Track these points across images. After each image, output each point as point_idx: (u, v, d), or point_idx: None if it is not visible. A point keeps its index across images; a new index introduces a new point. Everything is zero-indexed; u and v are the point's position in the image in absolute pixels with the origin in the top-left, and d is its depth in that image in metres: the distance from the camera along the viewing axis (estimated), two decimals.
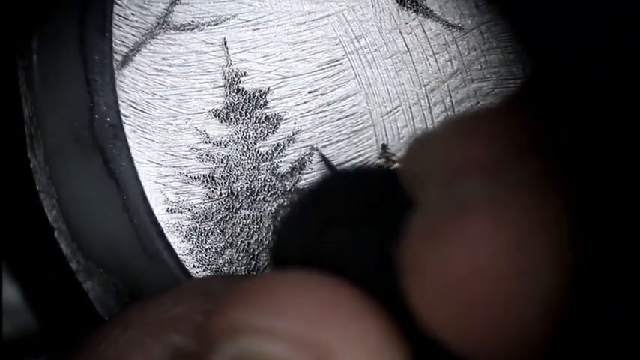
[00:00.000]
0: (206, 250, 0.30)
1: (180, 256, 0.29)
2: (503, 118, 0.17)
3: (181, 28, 0.30)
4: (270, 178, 0.30)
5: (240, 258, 0.30)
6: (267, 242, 0.29)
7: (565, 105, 0.17)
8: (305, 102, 0.30)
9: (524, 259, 0.16)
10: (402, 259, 0.17)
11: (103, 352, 0.22)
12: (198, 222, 0.30)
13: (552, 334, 0.16)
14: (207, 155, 0.30)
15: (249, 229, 0.30)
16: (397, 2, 0.31)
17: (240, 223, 0.30)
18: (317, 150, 0.30)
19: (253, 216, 0.30)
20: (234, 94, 0.30)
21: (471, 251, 0.16)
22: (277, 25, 0.30)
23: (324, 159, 0.27)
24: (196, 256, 0.30)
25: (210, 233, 0.30)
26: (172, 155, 0.30)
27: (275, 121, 0.30)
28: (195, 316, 0.22)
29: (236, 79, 0.30)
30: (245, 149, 0.30)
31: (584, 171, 0.16)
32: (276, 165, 0.30)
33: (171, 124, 0.30)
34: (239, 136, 0.30)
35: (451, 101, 0.31)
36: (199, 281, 0.24)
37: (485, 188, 0.16)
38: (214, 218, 0.30)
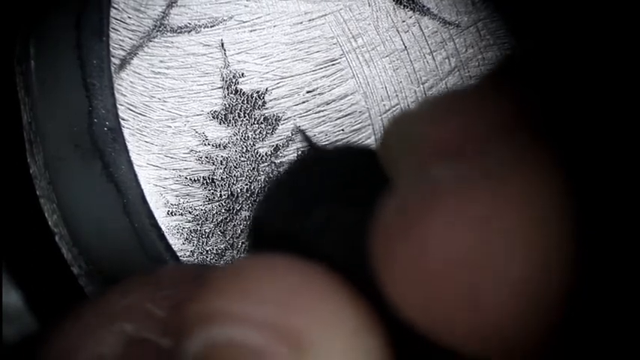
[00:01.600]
0: (207, 251, 0.30)
1: (182, 259, 0.29)
2: (484, 96, 0.17)
3: (178, 31, 0.30)
4: (270, 179, 0.30)
5: (241, 259, 0.30)
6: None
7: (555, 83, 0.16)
8: (303, 102, 0.30)
9: (496, 246, 0.15)
10: (374, 243, 0.16)
11: (54, 345, 0.21)
12: (198, 224, 0.30)
13: (535, 324, 0.15)
14: (207, 157, 0.30)
15: None
16: (394, 0, 0.31)
17: (240, 224, 0.30)
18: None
19: None
20: (232, 95, 0.30)
21: (439, 236, 0.15)
22: (274, 26, 0.30)
23: (304, 136, 0.26)
24: (197, 258, 0.30)
25: (211, 235, 0.30)
26: (172, 158, 0.30)
27: (274, 121, 0.30)
28: (146, 305, 0.21)
29: (234, 81, 0.30)
30: (244, 150, 0.30)
31: (575, 155, 0.16)
32: (276, 166, 0.30)
33: (170, 127, 0.30)
34: (238, 137, 0.30)
35: None
36: (149, 272, 0.24)
37: (458, 170, 0.16)
38: (215, 220, 0.30)
